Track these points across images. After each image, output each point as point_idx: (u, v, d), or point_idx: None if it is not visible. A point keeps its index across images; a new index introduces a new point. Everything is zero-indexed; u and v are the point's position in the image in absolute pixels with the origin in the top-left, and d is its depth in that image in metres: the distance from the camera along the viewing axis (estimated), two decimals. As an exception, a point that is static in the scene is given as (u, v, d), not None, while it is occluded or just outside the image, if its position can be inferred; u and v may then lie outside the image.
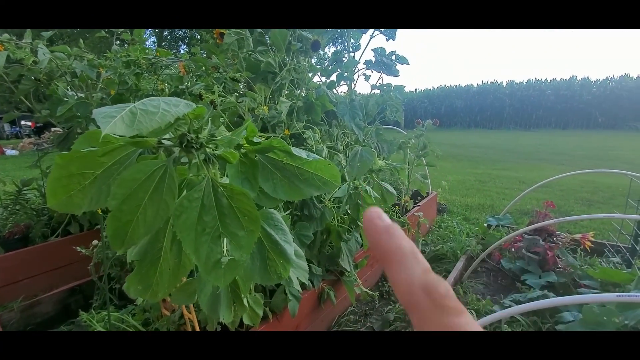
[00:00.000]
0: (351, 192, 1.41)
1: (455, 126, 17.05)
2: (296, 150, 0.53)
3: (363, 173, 1.36)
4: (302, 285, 1.48)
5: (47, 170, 2.20)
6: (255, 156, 0.55)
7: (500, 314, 1.01)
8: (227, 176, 0.52)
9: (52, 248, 1.97)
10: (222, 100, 1.37)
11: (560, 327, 1.44)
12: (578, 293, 1.68)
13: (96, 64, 1.86)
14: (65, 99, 1.91)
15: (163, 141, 0.42)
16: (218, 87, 1.40)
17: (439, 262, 2.30)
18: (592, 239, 1.98)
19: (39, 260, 1.91)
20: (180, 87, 1.62)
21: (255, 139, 0.52)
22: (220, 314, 0.69)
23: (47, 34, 1.84)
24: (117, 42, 2.20)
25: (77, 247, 1.55)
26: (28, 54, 1.73)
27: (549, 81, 16.42)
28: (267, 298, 1.33)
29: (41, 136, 2.45)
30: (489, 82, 17.66)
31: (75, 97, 1.89)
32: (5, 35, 1.65)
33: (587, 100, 15.00)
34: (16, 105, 2.55)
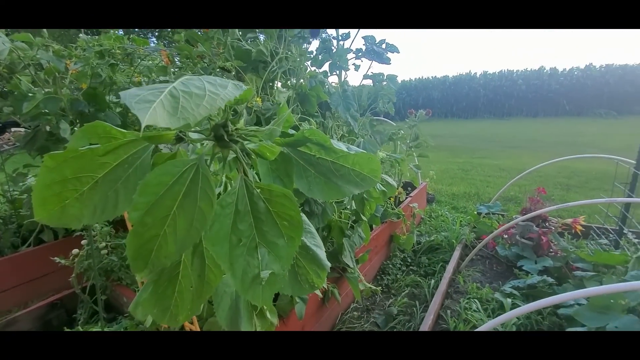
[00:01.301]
0: (357, 186, 1.35)
1: (433, 117, 17.36)
2: (335, 143, 0.46)
3: (367, 166, 1.30)
4: (306, 285, 1.42)
5: (14, 174, 2.00)
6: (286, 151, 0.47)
7: (517, 311, 0.98)
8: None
9: (24, 259, 1.80)
10: (213, 92, 1.26)
11: (562, 311, 1.45)
12: (574, 276, 1.71)
13: (65, 54, 1.68)
14: (31, 94, 1.72)
15: (190, 134, 0.34)
16: (208, 78, 1.29)
17: (435, 252, 2.30)
18: (583, 223, 2.03)
19: (10, 273, 1.73)
20: (163, 78, 1.49)
21: (289, 131, 0.44)
22: (241, 329, 0.61)
23: None
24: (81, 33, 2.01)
25: (55, 258, 1.41)
26: (-17, 44, 1.53)
27: (520, 71, 17.01)
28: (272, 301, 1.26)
29: (0, 137, 2.23)
30: (463, 73, 18.07)
31: (43, 92, 1.71)
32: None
33: (555, 89, 15.66)
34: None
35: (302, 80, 1.70)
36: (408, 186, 3.13)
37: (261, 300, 0.42)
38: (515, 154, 6.94)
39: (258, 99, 1.45)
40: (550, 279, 1.67)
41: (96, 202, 0.38)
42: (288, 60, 1.59)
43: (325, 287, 1.44)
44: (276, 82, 1.57)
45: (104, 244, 1.46)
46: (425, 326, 1.44)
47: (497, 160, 6.18)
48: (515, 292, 1.69)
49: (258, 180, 0.43)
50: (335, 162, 0.50)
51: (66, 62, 1.81)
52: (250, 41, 1.66)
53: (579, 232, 2.03)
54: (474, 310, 1.57)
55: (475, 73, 17.86)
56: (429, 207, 3.38)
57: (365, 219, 1.51)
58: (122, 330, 1.11)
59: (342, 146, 0.47)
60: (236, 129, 0.34)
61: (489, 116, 16.73)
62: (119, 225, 1.74)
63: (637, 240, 1.95)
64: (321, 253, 0.55)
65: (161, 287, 0.45)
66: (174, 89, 0.24)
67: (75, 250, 1.43)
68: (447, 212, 3.07)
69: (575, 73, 15.90)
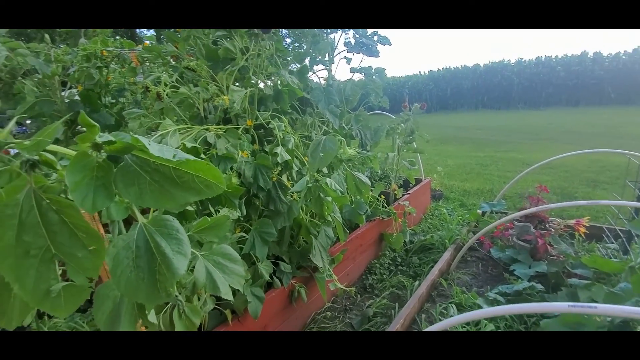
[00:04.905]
0: (310, 185, 1.31)
1: (462, 108, 16.57)
2: (156, 150, 0.44)
3: (326, 164, 1.26)
4: (269, 284, 1.42)
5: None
6: (117, 158, 0.46)
7: (465, 316, 0.92)
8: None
9: None
10: (171, 92, 1.28)
11: (544, 322, 1.34)
12: (569, 284, 1.57)
13: (53, 59, 1.78)
14: (29, 98, 1.84)
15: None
16: (169, 78, 1.31)
17: (427, 252, 2.21)
18: (589, 224, 1.85)
19: None
20: (133, 79, 1.53)
21: (103, 138, 0.43)
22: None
23: (2, 30, 1.76)
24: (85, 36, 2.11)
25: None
26: (-17, 52, 1.65)
27: (559, 57, 15.74)
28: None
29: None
30: (496, 61, 17.03)
31: (37, 94, 1.82)
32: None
33: (599, 76, 14.32)
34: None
35: (274, 78, 1.67)
36: (410, 183, 3.02)
37: (63, 311, 0.42)
38: (545, 146, 6.47)
39: (226, 97, 1.45)
40: (539, 286, 1.55)
41: None
42: (260, 58, 1.57)
43: (281, 283, 1.43)
44: (238, 80, 1.56)
45: None
46: (393, 329, 1.39)
47: (522, 154, 5.80)
48: (500, 298, 1.58)
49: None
50: (177, 168, 0.49)
51: (60, 66, 1.92)
52: (227, 40, 1.65)
53: (583, 235, 1.86)
54: (450, 316, 1.50)
55: (509, 60, 16.79)
56: (434, 204, 3.24)
57: (330, 219, 1.47)
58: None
59: (167, 154, 0.45)
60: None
61: (523, 106, 15.69)
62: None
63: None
64: (180, 260, 0.54)
65: (-5, 292, 0.46)
66: None
67: None
68: (447, 210, 2.93)
69: (622, 57, 14.46)
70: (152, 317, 0.67)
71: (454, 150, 6.51)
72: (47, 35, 2.02)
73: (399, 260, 2.17)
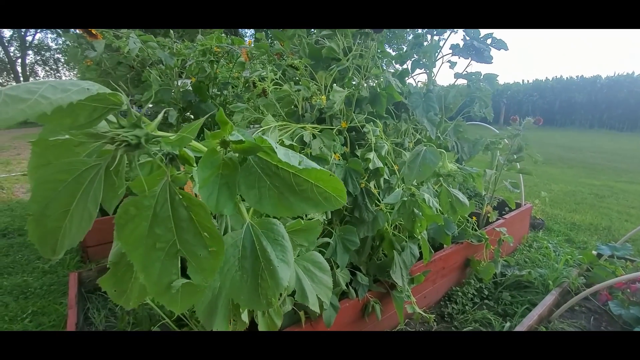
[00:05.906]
0: (405, 199, 1.21)
1: (573, 125, 14.26)
2: (282, 154, 0.40)
3: (424, 177, 1.15)
4: (344, 293, 1.36)
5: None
6: (243, 157, 0.45)
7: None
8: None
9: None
10: (275, 89, 1.31)
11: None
12: None
13: (175, 52, 1.99)
14: (153, 86, 2.10)
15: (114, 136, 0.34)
16: (274, 75, 1.34)
17: (522, 290, 1.90)
18: None
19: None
20: (242, 73, 1.62)
21: (234, 137, 0.41)
22: (214, 327, 0.62)
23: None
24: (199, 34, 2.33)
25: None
26: (125, 43, 1.93)
27: None
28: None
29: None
30: (623, 74, 14.22)
31: (161, 83, 2.07)
32: (105, 27, 1.86)
33: None
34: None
35: (380, 79, 1.60)
36: (505, 206, 2.67)
37: (178, 307, 0.41)
38: (689, 183, 5.16)
39: (323, 97, 1.44)
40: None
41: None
42: (362, 58, 1.52)
43: (356, 294, 1.35)
44: (342, 81, 1.52)
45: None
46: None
47: (653, 189, 4.72)
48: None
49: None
50: (297, 174, 0.45)
51: (184, 57, 2.15)
52: (328, 39, 1.64)
53: None
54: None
55: (640, 74, 13.89)
56: (533, 234, 2.82)
57: (419, 237, 1.35)
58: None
59: (293, 160, 0.41)
60: (134, 135, 0.33)
61: (657, 129, 12.85)
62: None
63: None
64: (283, 270, 0.51)
65: (120, 272, 0.48)
66: (1, 92, 0.25)
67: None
68: (551, 244, 2.50)
69: None
70: (244, 316, 0.67)
71: (560, 173, 5.63)
72: (172, 31, 2.28)
73: (486, 292, 1.92)
